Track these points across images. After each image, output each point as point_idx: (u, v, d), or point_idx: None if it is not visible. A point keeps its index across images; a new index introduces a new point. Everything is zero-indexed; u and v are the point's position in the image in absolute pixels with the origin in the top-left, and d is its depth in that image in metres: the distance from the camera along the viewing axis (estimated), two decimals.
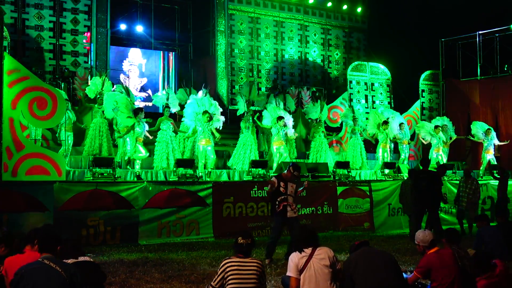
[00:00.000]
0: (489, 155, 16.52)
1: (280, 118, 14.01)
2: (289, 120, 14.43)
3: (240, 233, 4.95)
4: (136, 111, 12.41)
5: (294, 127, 15.23)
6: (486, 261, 5.74)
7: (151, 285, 6.85)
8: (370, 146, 16.62)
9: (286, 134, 14.15)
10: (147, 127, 12.62)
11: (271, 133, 14.35)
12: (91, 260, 5.20)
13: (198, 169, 12.40)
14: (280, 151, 13.96)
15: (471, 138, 17.13)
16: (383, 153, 15.51)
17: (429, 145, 16.84)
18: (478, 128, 16.93)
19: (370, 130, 15.93)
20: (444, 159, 16.13)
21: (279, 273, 7.36)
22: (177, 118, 15.05)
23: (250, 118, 14.52)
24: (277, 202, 8.51)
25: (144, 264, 8.16)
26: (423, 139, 16.67)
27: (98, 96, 13.46)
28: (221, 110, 13.47)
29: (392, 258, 5.42)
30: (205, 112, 12.72)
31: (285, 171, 8.91)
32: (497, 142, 16.85)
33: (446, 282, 5.37)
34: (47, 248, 4.27)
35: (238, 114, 14.92)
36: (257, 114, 14.84)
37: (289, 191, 8.56)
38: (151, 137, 13.11)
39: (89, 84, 14.02)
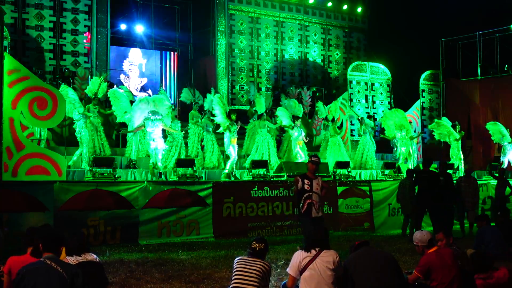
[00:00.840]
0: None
1: (297, 118, 14.12)
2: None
3: (256, 239, 5.27)
4: None
5: None
6: (483, 263, 5.73)
7: (151, 285, 6.85)
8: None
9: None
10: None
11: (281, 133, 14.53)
12: (96, 260, 5.21)
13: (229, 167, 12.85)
14: (304, 151, 14.23)
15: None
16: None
17: (430, 144, 16.85)
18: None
19: (390, 133, 15.82)
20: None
21: (279, 273, 7.37)
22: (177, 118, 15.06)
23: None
24: (302, 201, 8.19)
25: (144, 264, 8.16)
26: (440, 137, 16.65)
27: (93, 96, 13.47)
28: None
29: (392, 258, 5.42)
30: (234, 112, 12.99)
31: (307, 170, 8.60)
32: None
33: (446, 282, 5.38)
34: (50, 248, 4.28)
35: (259, 113, 15.01)
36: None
37: (314, 188, 8.22)
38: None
39: (89, 84, 14.04)
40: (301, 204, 8.19)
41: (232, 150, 13.05)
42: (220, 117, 13.14)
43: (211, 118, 13.59)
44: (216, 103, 13.13)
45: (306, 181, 8.25)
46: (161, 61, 21.38)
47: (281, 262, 8.26)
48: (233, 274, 4.99)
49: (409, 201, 11.79)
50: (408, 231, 11.91)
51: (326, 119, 15.82)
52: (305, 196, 8.18)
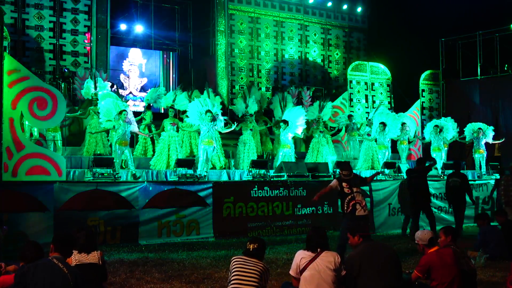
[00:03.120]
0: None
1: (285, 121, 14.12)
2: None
3: (250, 238, 5.26)
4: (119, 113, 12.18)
5: None
6: None
7: (151, 285, 6.85)
8: None
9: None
10: (133, 128, 12.26)
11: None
12: (99, 263, 5.25)
13: (198, 168, 12.35)
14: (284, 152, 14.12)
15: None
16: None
17: (428, 145, 16.83)
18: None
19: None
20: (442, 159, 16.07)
21: (279, 273, 7.37)
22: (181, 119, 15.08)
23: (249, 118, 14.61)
24: (345, 204, 8.07)
25: (144, 264, 8.17)
26: (424, 138, 16.62)
27: (94, 97, 13.48)
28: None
29: (394, 254, 5.35)
30: (208, 111, 12.66)
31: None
32: (490, 141, 16.72)
33: (446, 282, 5.37)
34: (60, 249, 4.32)
35: (239, 115, 15.05)
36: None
37: (354, 189, 8.10)
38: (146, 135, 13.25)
39: (79, 84, 14.10)
40: (345, 207, 8.04)
41: (201, 150, 12.65)
42: (191, 119, 12.91)
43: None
44: (192, 104, 12.91)
45: (344, 184, 8.11)
46: (161, 61, 21.39)
47: (281, 262, 8.27)
48: (232, 274, 4.93)
49: (408, 201, 11.82)
50: (408, 230, 11.91)
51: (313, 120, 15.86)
52: (348, 198, 8.04)
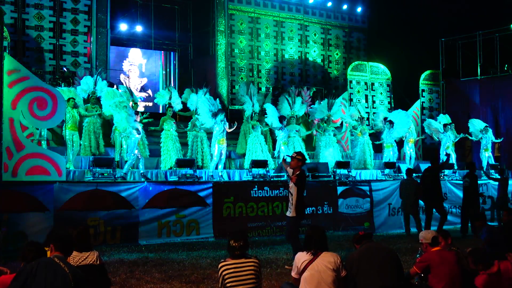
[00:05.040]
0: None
1: (283, 118, 14.09)
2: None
3: (232, 235, 4.81)
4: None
5: None
6: (482, 258, 5.65)
7: (151, 285, 6.85)
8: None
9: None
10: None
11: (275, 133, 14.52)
12: (96, 262, 5.23)
13: (217, 169, 12.76)
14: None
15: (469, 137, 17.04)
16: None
17: (430, 144, 16.86)
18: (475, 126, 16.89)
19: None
20: (452, 158, 16.06)
21: (279, 273, 7.38)
22: (177, 118, 15.08)
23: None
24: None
25: (144, 264, 8.17)
26: (432, 135, 16.56)
27: (91, 95, 13.48)
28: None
29: (395, 255, 5.36)
30: (220, 110, 12.88)
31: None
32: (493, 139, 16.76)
33: (445, 281, 5.36)
34: (61, 249, 4.32)
35: (247, 114, 15.05)
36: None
37: (289, 185, 8.23)
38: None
39: (80, 84, 14.05)
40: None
41: (216, 151, 12.92)
42: (202, 118, 13.07)
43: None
44: (202, 103, 13.09)
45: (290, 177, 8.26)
46: (161, 61, 21.39)
47: (281, 262, 8.27)
48: (226, 283, 4.66)
49: (412, 199, 11.87)
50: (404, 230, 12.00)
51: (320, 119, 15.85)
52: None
